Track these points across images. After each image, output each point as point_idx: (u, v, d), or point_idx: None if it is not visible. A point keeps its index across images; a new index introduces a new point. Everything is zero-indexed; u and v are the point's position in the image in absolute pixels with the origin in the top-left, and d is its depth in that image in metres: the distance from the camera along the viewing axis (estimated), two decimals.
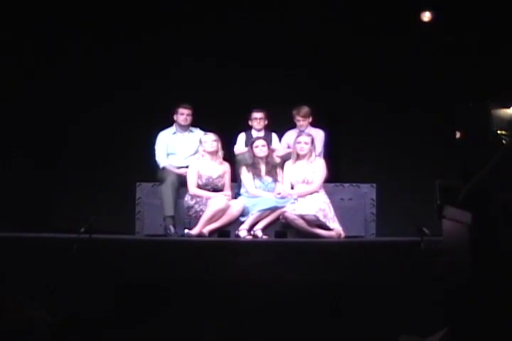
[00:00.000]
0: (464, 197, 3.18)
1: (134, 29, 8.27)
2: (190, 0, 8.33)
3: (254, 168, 7.09)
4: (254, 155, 7.09)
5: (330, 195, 7.06)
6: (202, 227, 6.74)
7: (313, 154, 7.06)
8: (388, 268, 5.24)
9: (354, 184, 7.42)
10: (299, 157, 7.03)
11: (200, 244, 6.07)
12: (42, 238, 6.27)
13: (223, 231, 6.99)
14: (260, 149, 7.08)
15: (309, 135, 7.14)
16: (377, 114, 8.32)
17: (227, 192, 7.06)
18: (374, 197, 7.33)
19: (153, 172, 7.42)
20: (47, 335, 3.07)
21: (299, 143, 7.04)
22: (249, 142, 7.26)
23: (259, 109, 7.51)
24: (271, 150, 7.23)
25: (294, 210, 6.76)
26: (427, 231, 5.44)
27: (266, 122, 7.54)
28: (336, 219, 6.85)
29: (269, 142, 7.27)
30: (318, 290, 5.01)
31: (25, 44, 8.14)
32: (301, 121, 7.42)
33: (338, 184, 7.43)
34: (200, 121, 7.55)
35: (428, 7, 8.10)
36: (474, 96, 7.84)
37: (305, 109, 7.42)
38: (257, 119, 7.48)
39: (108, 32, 8.29)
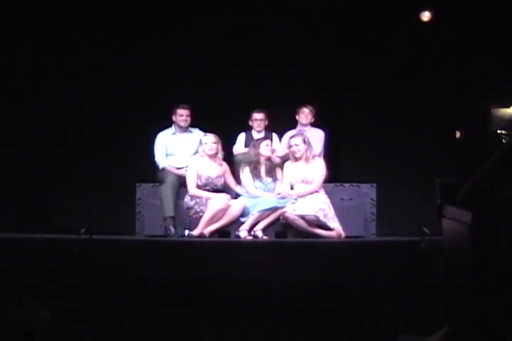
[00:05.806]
0: (464, 196, 3.17)
1: (134, 29, 8.28)
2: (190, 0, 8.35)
3: (254, 168, 7.07)
4: (259, 154, 7.06)
5: (330, 194, 7.05)
6: (203, 228, 6.73)
7: (311, 153, 7.00)
8: (388, 267, 5.24)
9: (354, 184, 7.42)
10: (296, 158, 7.02)
11: (200, 245, 6.06)
12: (42, 239, 6.26)
13: (224, 231, 6.99)
14: (266, 149, 7.07)
15: (301, 134, 7.11)
16: (377, 113, 8.33)
17: (237, 188, 7.07)
18: (374, 197, 7.33)
19: (153, 173, 7.42)
20: (47, 335, 3.07)
21: (290, 146, 7.00)
22: (254, 142, 7.23)
23: (259, 110, 7.49)
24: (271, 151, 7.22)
25: (294, 210, 6.75)
26: (427, 230, 5.43)
27: (266, 123, 7.53)
28: (336, 219, 6.84)
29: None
30: (318, 290, 5.01)
31: (26, 42, 8.14)
32: (308, 116, 7.42)
33: (338, 184, 7.42)
34: (199, 122, 7.55)
35: (428, 6, 8.10)
36: (474, 95, 7.85)
37: (311, 106, 7.52)
38: (257, 120, 7.47)
39: (108, 32, 8.30)
